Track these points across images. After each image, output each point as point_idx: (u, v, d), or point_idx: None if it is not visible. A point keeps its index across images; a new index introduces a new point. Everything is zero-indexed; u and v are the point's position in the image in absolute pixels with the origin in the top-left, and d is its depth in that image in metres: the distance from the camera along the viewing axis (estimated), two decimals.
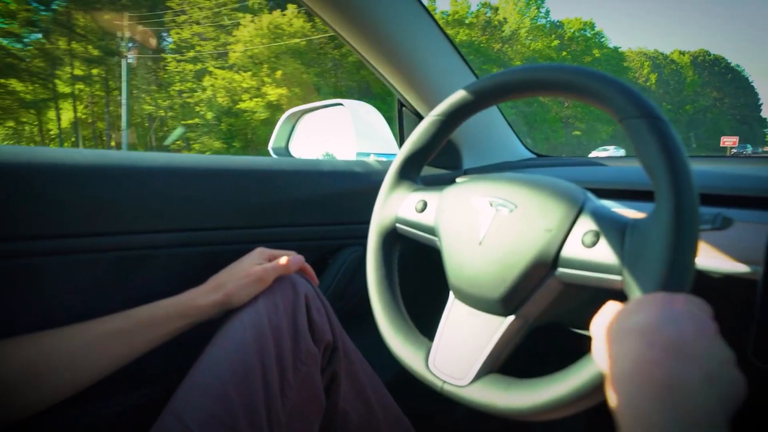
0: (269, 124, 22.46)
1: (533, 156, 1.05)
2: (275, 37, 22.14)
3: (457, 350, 0.47)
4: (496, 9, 42.04)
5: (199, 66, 21.04)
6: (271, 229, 0.74)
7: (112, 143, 21.05)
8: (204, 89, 20.43)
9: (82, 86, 22.49)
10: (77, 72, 21.50)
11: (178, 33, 21.38)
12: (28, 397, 0.46)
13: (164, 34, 21.64)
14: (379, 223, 0.58)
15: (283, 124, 1.24)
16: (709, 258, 0.53)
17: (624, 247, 0.38)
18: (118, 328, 0.52)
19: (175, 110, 20.86)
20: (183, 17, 21.54)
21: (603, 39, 45.92)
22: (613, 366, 0.31)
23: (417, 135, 0.57)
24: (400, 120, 0.96)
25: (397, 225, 0.57)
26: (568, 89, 0.44)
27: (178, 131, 20.56)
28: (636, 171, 0.67)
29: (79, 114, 22.65)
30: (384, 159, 0.94)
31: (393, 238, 0.58)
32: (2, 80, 18.65)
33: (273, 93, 20.51)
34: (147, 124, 21.74)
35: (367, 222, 0.60)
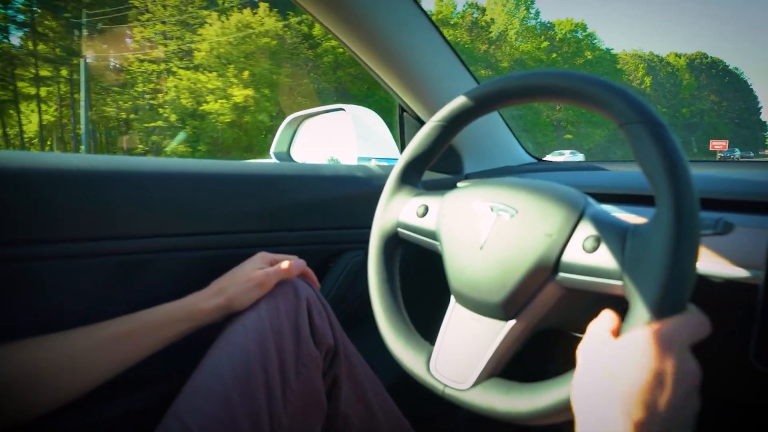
0: (235, 126, 21.44)
1: (534, 160, 1.04)
2: (245, 37, 21.29)
3: (458, 354, 0.47)
4: (483, 9, 41.32)
5: (162, 66, 20.19)
6: (272, 233, 0.74)
7: (68, 147, 20.19)
8: (167, 90, 19.58)
9: (50, 88, 21.64)
10: (44, 73, 20.67)
11: (141, 31, 20.58)
12: (31, 400, 0.46)
13: (127, 33, 20.82)
14: (381, 228, 0.58)
15: (284, 129, 1.23)
16: (711, 263, 0.53)
17: (625, 253, 0.38)
18: (120, 331, 0.52)
19: (138, 113, 20.01)
20: (147, 15, 20.75)
21: (595, 41, 45.16)
22: (588, 413, 0.33)
23: (418, 140, 0.57)
24: (401, 125, 0.96)
25: (399, 229, 0.57)
26: (569, 95, 0.44)
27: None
28: (636, 176, 0.67)
29: (49, 117, 21.72)
30: (385, 164, 0.93)
31: (394, 242, 0.58)
32: None
33: (239, 94, 19.65)
34: (103, 128, 20.85)
35: (369, 226, 0.60)
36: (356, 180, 0.84)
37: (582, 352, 0.37)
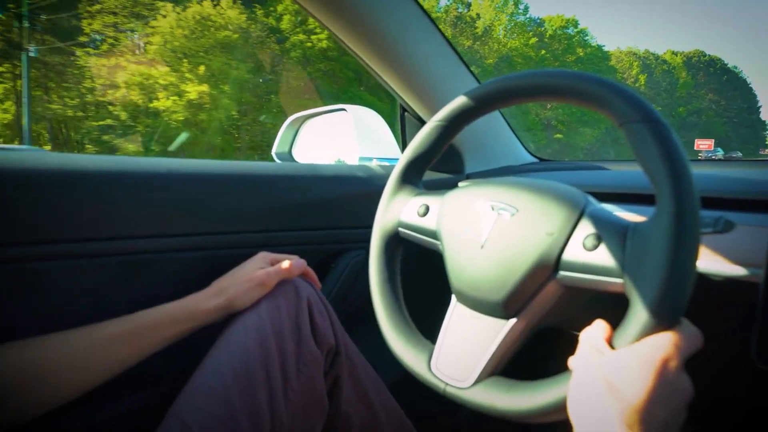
0: (191, 125, 20.01)
1: (536, 160, 1.04)
2: (203, 29, 19.98)
3: (460, 353, 0.48)
4: (469, 4, 40.09)
5: (113, 61, 18.96)
6: (273, 233, 0.74)
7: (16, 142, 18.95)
8: (118, 86, 18.31)
9: (6, 84, 20.33)
10: None
11: (90, 23, 19.35)
12: (32, 400, 0.46)
13: (75, 24, 19.59)
14: (382, 227, 0.59)
15: (286, 129, 1.24)
16: (711, 261, 0.53)
17: (625, 251, 0.39)
18: (121, 331, 0.52)
19: (87, 110, 18.77)
20: (97, 6, 19.52)
21: (587, 37, 43.84)
22: (586, 423, 0.34)
23: (419, 140, 0.57)
24: (402, 125, 0.96)
25: (400, 229, 0.57)
26: (569, 94, 0.44)
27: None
28: (637, 175, 0.67)
29: (9, 116, 20.43)
30: (386, 163, 0.94)
31: (395, 242, 0.58)
32: None
33: (193, 90, 18.33)
34: (57, 126, 19.61)
35: (370, 226, 0.60)
36: (357, 180, 0.84)
37: (576, 361, 0.37)
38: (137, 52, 19.73)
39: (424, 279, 0.80)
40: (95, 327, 0.52)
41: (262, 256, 0.63)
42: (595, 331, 0.38)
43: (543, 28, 42.14)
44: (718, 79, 62.09)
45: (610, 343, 0.36)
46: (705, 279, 0.53)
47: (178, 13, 19.78)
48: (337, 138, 1.08)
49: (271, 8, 22.82)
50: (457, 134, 0.56)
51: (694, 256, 0.35)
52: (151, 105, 18.35)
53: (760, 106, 66.72)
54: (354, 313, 0.81)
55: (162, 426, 0.49)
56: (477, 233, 0.48)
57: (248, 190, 0.71)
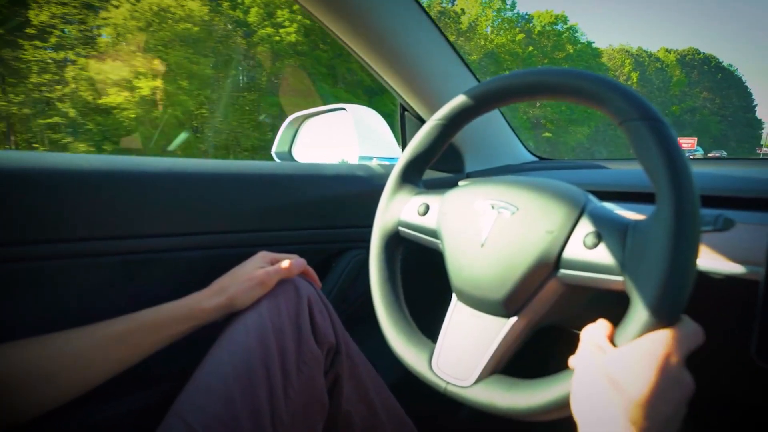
0: (144, 123, 18.80)
1: (536, 159, 1.04)
2: (160, 22, 18.85)
3: (460, 352, 0.48)
4: None
5: (62, 54, 17.84)
6: (274, 232, 0.74)
7: None
8: (67, 81, 17.16)
9: None
10: None
11: (37, 14, 18.25)
12: (33, 399, 0.46)
13: (21, 14, 18.46)
14: (382, 227, 0.59)
15: (286, 128, 1.24)
16: (711, 259, 0.53)
17: (625, 249, 0.39)
18: (122, 330, 0.52)
19: (35, 107, 17.64)
20: None
21: (577, 33, 42.74)
22: (590, 421, 0.34)
23: (418, 140, 0.57)
24: (402, 124, 0.96)
25: (400, 228, 0.57)
26: (568, 92, 0.44)
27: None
28: (637, 173, 0.67)
29: None
30: (387, 163, 0.93)
31: (396, 241, 0.58)
32: None
33: (146, 86, 17.20)
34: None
35: (370, 225, 0.60)
36: (357, 179, 0.84)
37: (578, 359, 0.38)
38: (88, 45, 18.60)
39: (424, 278, 0.80)
40: (96, 326, 0.52)
41: (262, 256, 0.63)
42: (597, 329, 0.38)
43: (531, 24, 41.07)
44: (713, 77, 61.32)
45: (612, 341, 0.36)
46: (705, 277, 0.53)
47: (133, 4, 18.63)
48: (336, 137, 1.08)
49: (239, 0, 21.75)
50: (457, 133, 0.56)
51: (694, 253, 0.35)
52: (100, 101, 17.20)
53: (755, 105, 66.01)
54: (355, 312, 0.81)
55: (163, 425, 0.49)
56: (477, 232, 0.48)
57: (249, 190, 0.71)
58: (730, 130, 60.44)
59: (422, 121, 0.90)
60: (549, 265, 0.43)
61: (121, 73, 17.74)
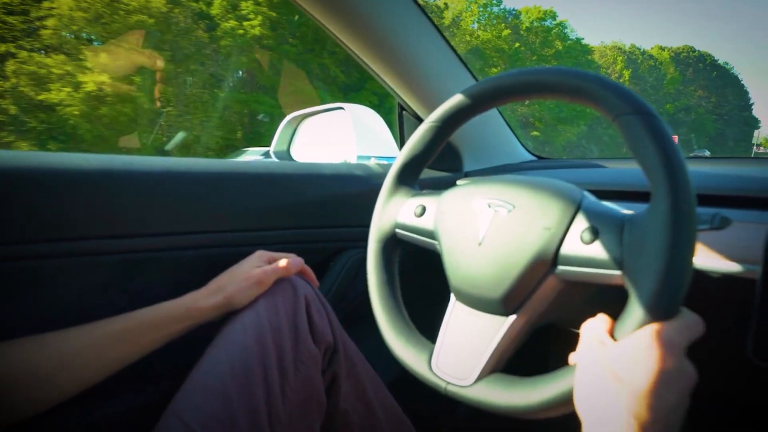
0: (91, 120, 17.65)
1: (534, 158, 1.04)
2: (112, 13, 17.74)
3: (460, 351, 0.47)
4: None
5: (2, 48, 16.76)
6: (272, 231, 0.74)
7: None
8: (7, 77, 16.04)
9: None
10: None
11: None
12: (32, 397, 0.47)
13: None
14: (379, 229, 0.58)
15: (284, 128, 1.24)
16: (708, 258, 0.53)
17: (623, 243, 0.39)
18: (120, 329, 0.52)
19: None
20: None
21: (566, 30, 41.64)
22: (593, 415, 0.34)
23: (414, 141, 0.57)
24: (401, 124, 0.96)
25: (397, 230, 0.57)
26: (561, 91, 0.45)
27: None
28: (635, 173, 0.67)
29: None
30: (385, 162, 0.93)
31: (393, 243, 0.58)
32: None
33: (91, 81, 16.09)
34: None
35: (368, 225, 0.60)
36: (356, 178, 0.84)
37: (579, 355, 0.38)
38: (30, 37, 17.50)
39: (422, 279, 0.80)
40: (94, 325, 0.52)
41: (259, 255, 0.63)
42: (597, 324, 0.38)
43: (519, 20, 39.99)
44: (708, 75, 60.55)
45: (612, 335, 0.36)
46: (702, 276, 0.53)
47: None
48: (335, 137, 1.07)
49: None
50: (453, 134, 0.56)
51: (691, 244, 0.35)
52: (39, 97, 16.07)
53: (752, 103, 65.23)
54: (353, 311, 0.80)
55: (160, 424, 0.50)
56: (474, 231, 0.48)
57: (247, 189, 0.71)
58: (727, 129, 59.71)
59: (420, 121, 0.87)
60: (547, 261, 0.43)
61: (66, 68, 16.61)
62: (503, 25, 38.56)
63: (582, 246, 0.41)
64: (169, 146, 17.35)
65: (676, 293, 0.34)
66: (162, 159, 0.65)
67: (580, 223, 0.42)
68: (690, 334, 0.34)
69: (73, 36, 17.53)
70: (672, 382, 0.32)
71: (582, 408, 0.35)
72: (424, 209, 0.55)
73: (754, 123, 65.78)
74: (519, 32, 39.45)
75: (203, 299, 0.56)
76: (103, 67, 17.57)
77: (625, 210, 0.44)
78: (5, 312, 0.52)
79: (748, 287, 0.48)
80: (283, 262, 0.61)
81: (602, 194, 0.59)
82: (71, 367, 0.49)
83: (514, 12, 40.67)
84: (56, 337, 0.49)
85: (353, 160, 0.97)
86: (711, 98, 59.83)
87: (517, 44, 37.97)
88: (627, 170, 0.75)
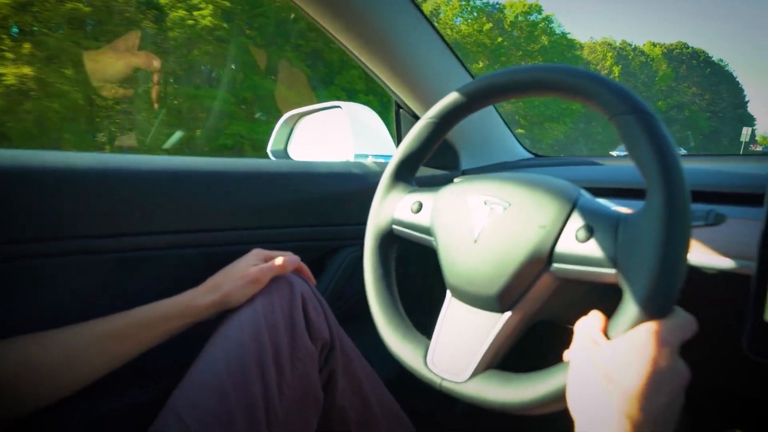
0: (13, 115, 16.11)
1: (531, 156, 1.04)
2: (43, 1, 16.35)
3: (455, 347, 0.48)
4: None
5: None
6: (269, 230, 0.74)
7: None
8: None
9: None
10: None
11: None
12: (32, 394, 0.47)
13: None
14: (376, 226, 0.59)
15: (281, 127, 1.25)
16: (703, 254, 0.53)
17: (617, 241, 0.39)
18: (116, 328, 0.53)
19: None
20: None
21: (553, 24, 40.22)
22: (586, 414, 0.34)
23: (411, 138, 0.57)
24: (398, 122, 0.96)
25: (394, 227, 0.58)
26: (558, 89, 0.45)
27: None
28: (631, 170, 0.68)
29: None
30: (382, 160, 0.94)
31: (389, 239, 0.58)
32: None
33: (11, 73, 14.68)
34: None
35: (365, 223, 0.60)
36: (353, 177, 0.84)
37: (573, 353, 0.38)
38: None
39: (418, 275, 0.80)
40: (93, 323, 0.52)
41: (256, 253, 0.63)
42: (590, 322, 0.38)
43: (503, 15, 38.63)
44: (702, 72, 59.47)
45: (605, 334, 0.37)
46: (697, 272, 0.53)
47: None
48: (332, 135, 1.08)
49: None
50: (450, 131, 0.56)
51: (685, 243, 0.35)
52: None
53: (747, 101, 64.01)
54: (350, 309, 0.81)
55: (158, 420, 0.50)
56: (470, 228, 0.48)
57: (244, 188, 0.71)
58: (722, 126, 58.60)
59: (417, 119, 0.87)
60: (542, 259, 0.43)
61: None
62: (485, 18, 37.21)
63: (577, 244, 0.41)
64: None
65: (670, 290, 0.34)
66: (161, 158, 0.66)
67: (576, 221, 0.42)
68: (683, 333, 0.34)
69: None
70: (664, 383, 0.32)
71: (575, 408, 0.35)
72: (420, 205, 0.55)
73: (750, 121, 64.67)
74: (503, 27, 38.10)
75: (200, 297, 0.57)
76: (28, 59, 16.03)
77: (622, 207, 0.44)
78: (5, 311, 0.53)
79: (743, 283, 0.48)
80: (279, 260, 0.61)
81: (599, 191, 0.59)
82: (69, 366, 0.49)
83: (498, 6, 39.30)
84: (58, 334, 0.50)
85: (350, 159, 0.96)
86: (705, 95, 58.71)
87: (500, 39, 36.63)
88: (623, 168, 0.75)
